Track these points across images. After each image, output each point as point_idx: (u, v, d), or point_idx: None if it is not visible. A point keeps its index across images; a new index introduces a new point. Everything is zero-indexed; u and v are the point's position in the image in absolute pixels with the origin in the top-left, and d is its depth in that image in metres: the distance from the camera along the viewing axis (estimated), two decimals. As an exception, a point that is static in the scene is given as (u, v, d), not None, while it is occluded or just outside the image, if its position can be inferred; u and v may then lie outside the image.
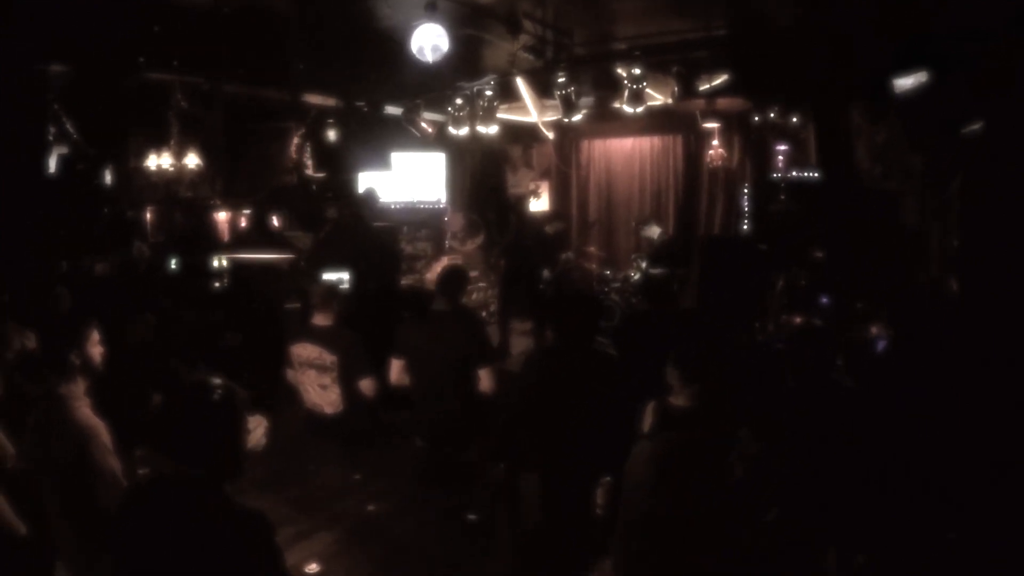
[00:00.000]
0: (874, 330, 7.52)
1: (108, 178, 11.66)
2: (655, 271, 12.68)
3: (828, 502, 4.56)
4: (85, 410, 4.46)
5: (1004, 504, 4.56)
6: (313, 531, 6.52)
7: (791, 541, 4.40)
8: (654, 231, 13.64)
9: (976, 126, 9.07)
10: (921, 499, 4.63)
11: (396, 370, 6.70)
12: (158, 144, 11.97)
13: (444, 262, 12.94)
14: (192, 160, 12.15)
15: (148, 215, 12.55)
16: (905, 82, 9.06)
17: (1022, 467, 4.64)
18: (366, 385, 6.71)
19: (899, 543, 4.62)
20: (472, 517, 6.35)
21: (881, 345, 7.20)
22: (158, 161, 11.97)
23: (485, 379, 6.37)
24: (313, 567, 5.23)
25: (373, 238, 10.41)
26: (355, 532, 6.58)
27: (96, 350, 4.73)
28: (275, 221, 13.22)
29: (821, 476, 4.54)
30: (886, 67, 9.19)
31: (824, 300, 9.71)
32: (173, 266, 10.88)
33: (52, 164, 10.27)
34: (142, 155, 12.04)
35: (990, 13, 7.84)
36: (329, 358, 6.69)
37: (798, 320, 9.43)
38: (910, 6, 8.43)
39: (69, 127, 10.33)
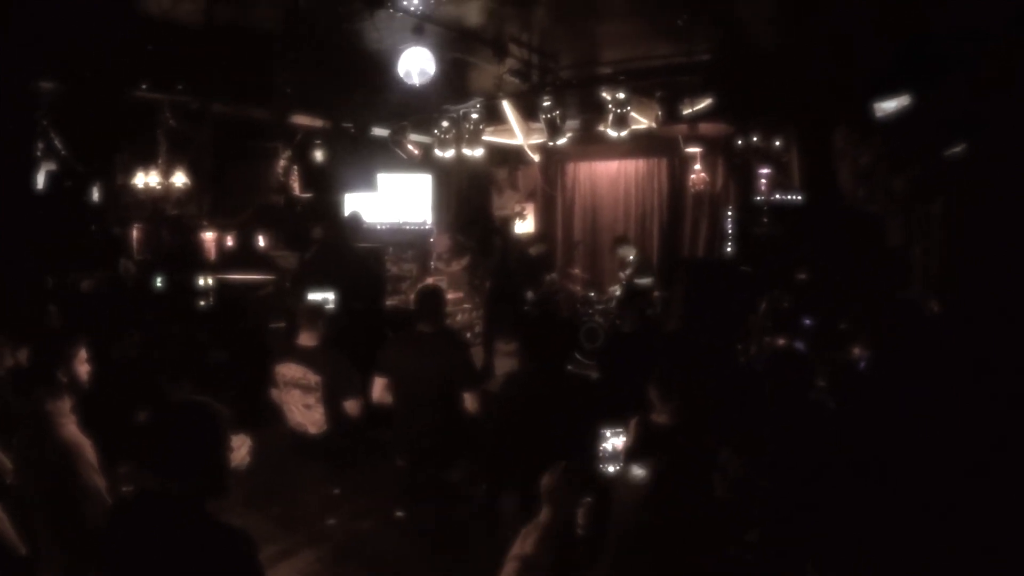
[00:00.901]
0: (856, 351, 7.55)
1: (96, 195, 11.66)
2: (640, 281, 12.82)
3: (808, 522, 4.60)
4: (71, 427, 4.49)
5: (984, 519, 4.60)
6: (297, 549, 6.56)
7: (772, 560, 4.45)
8: (629, 251, 13.78)
9: (958, 148, 9.17)
10: (901, 515, 4.68)
11: (379, 388, 6.67)
12: (146, 162, 12.00)
13: (429, 283, 13.00)
14: (180, 178, 12.19)
15: (135, 232, 12.56)
16: (888, 105, 9.15)
17: (1002, 481, 4.69)
18: (351, 406, 6.72)
19: (879, 561, 4.66)
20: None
21: (862, 365, 7.25)
22: (146, 179, 12.00)
23: (470, 402, 6.35)
24: (297, 585, 5.25)
25: (358, 259, 10.45)
26: (338, 550, 6.61)
27: (83, 368, 4.75)
28: (261, 241, 13.23)
29: (802, 496, 4.59)
30: (870, 90, 9.29)
31: (807, 322, 9.75)
32: (159, 284, 10.87)
33: (40, 180, 10.27)
34: (130, 172, 12.07)
35: (985, 18, 7.95)
36: (314, 378, 6.70)
37: (781, 342, 9.47)
38: (900, 20, 8.52)
39: (58, 143, 10.35)
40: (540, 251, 14.12)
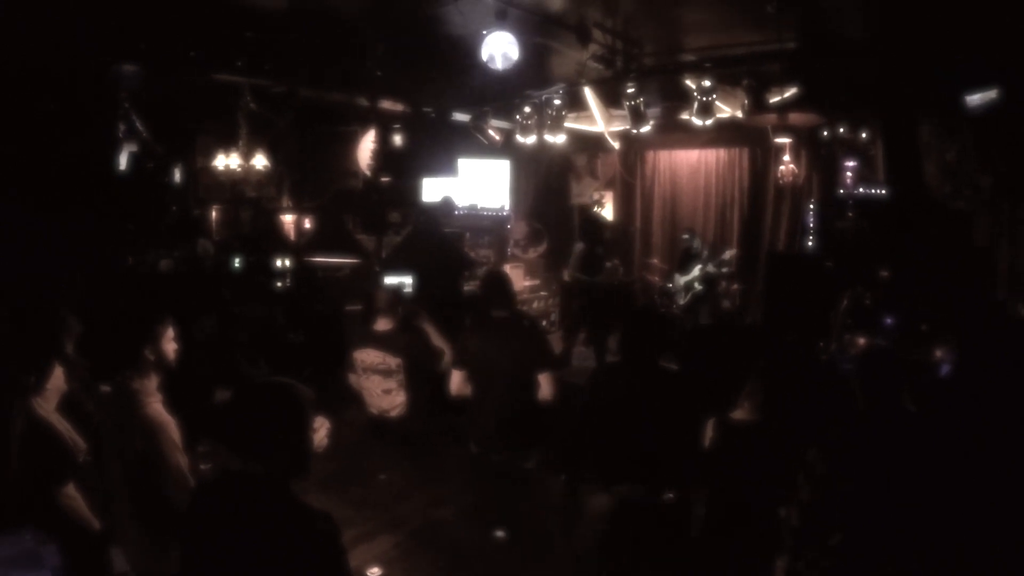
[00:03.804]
0: (938, 353, 7.37)
1: (176, 176, 11.79)
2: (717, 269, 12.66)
3: (892, 529, 4.49)
4: (156, 406, 4.51)
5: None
6: (374, 533, 6.55)
7: (853, 565, 4.35)
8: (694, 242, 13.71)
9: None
10: (981, 525, 4.55)
11: (457, 381, 6.53)
12: (227, 144, 12.12)
13: (506, 269, 12.96)
14: (260, 161, 12.28)
15: (214, 214, 12.70)
16: (976, 99, 8.94)
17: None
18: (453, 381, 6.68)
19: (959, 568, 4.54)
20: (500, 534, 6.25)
21: (945, 369, 7.07)
22: (226, 161, 12.11)
23: (546, 385, 6.20)
24: (375, 570, 5.24)
25: (446, 244, 10.45)
26: (416, 536, 6.60)
27: (170, 346, 4.77)
28: (348, 224, 13.32)
29: (887, 502, 4.48)
30: (957, 84, 9.08)
31: (888, 320, 9.56)
32: (237, 265, 10.96)
33: (122, 161, 10.39)
34: (210, 155, 12.20)
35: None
36: (393, 361, 6.69)
37: (861, 340, 9.30)
38: (984, 21, 8.31)
39: (139, 126, 10.46)
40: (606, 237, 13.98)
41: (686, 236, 13.96)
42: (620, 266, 14.41)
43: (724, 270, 13.15)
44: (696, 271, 13.19)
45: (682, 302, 13.15)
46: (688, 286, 13.09)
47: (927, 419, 5.22)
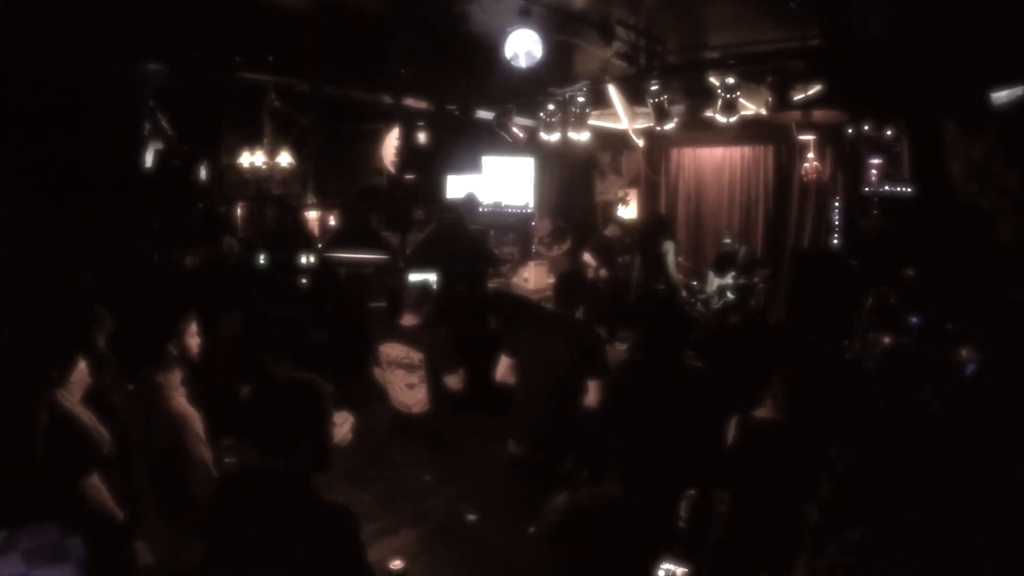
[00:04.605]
0: (964, 353, 7.34)
1: (202, 174, 11.88)
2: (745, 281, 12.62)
3: (912, 526, 4.49)
4: (180, 399, 4.56)
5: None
6: (397, 527, 6.58)
7: (873, 562, 4.35)
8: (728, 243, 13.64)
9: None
10: (997, 532, 4.54)
11: (503, 367, 6.54)
12: (252, 142, 12.19)
13: (530, 267, 12.97)
14: (284, 158, 12.35)
15: (239, 211, 12.77)
16: (1003, 96, 8.89)
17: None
18: (452, 380, 6.74)
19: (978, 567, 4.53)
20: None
21: (970, 368, 7.04)
22: (251, 159, 12.18)
23: (593, 392, 6.18)
24: (397, 563, 5.25)
25: (471, 241, 10.47)
26: (439, 531, 6.62)
27: (194, 341, 4.83)
28: (373, 221, 13.36)
29: (907, 500, 4.48)
30: (984, 80, 9.03)
31: (913, 320, 9.52)
32: (262, 261, 11.03)
33: (149, 159, 10.46)
34: (236, 153, 12.27)
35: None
36: (417, 356, 6.74)
37: (886, 339, 9.26)
38: (1009, 17, 8.26)
39: (164, 124, 10.53)
40: (614, 233, 13.93)
41: (727, 240, 13.87)
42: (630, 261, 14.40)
43: (756, 280, 13.09)
44: (730, 278, 13.13)
45: (715, 306, 13.09)
46: (722, 291, 13.03)
47: (948, 417, 5.22)
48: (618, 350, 9.66)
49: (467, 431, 7.15)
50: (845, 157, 13.36)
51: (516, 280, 13.17)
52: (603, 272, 13.11)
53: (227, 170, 12.44)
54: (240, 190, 12.65)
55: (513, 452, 6.44)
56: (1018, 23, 8.23)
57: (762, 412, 4.90)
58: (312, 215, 12.87)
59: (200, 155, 11.80)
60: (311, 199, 13.04)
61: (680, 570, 4.22)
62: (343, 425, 4.17)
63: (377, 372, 7.12)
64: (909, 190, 11.78)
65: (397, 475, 7.23)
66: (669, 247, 12.42)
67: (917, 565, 4.56)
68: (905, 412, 4.85)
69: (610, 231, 13.91)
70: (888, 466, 4.53)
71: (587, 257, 13.09)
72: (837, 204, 13.13)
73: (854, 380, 6.38)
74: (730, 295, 12.93)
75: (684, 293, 13.32)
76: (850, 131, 12.02)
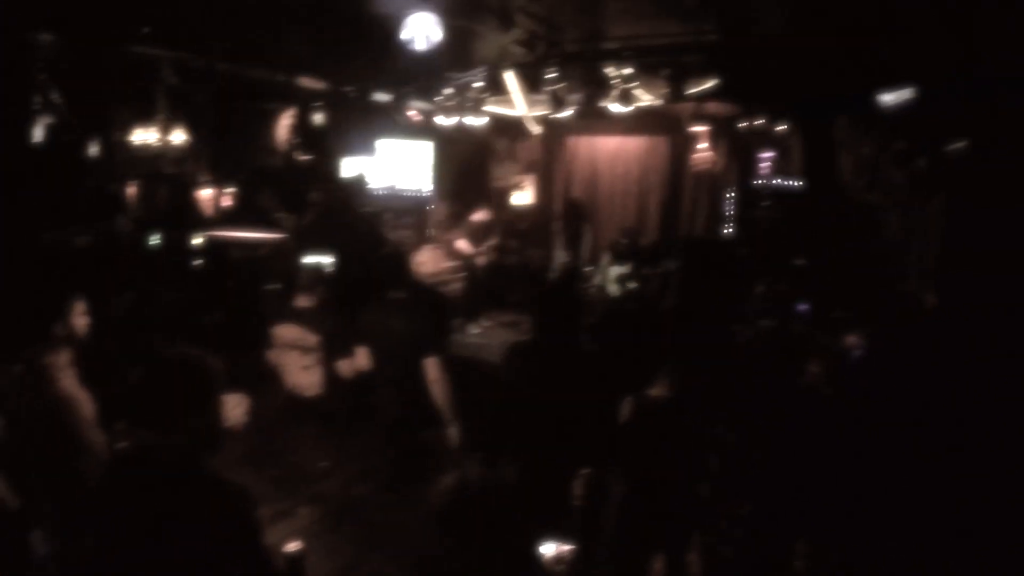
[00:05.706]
0: (851, 339, 7.56)
1: (94, 150, 11.60)
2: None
3: (799, 498, 4.63)
4: (68, 381, 4.48)
5: (975, 512, 4.63)
6: (294, 510, 6.60)
7: (763, 533, 4.47)
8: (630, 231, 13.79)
9: (960, 144, 9.16)
10: (887, 499, 4.70)
11: (361, 356, 6.66)
12: (145, 118, 11.93)
13: (426, 251, 12.93)
14: (178, 136, 12.12)
15: (130, 189, 12.51)
16: (890, 97, 9.13)
17: (995, 476, 4.71)
18: (344, 366, 6.72)
19: (866, 540, 4.69)
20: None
21: (856, 354, 7.26)
22: (144, 136, 11.92)
23: (431, 369, 6.26)
24: (294, 545, 5.24)
25: (360, 223, 10.41)
26: (335, 513, 6.64)
27: (81, 321, 4.73)
28: (265, 201, 13.18)
29: (793, 474, 4.61)
30: (873, 81, 9.26)
31: (802, 307, 9.75)
32: (154, 241, 10.84)
33: (38, 133, 10.20)
34: (128, 129, 12.00)
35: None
36: (312, 339, 6.71)
37: (774, 325, 9.48)
38: (901, 21, 8.50)
39: (55, 97, 10.27)
40: (489, 218, 13.98)
41: (625, 241, 13.95)
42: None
43: (659, 270, 13.22)
44: (629, 267, 13.25)
45: (613, 293, 13.17)
46: (622, 279, 13.13)
47: (832, 399, 5.42)
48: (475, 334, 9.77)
49: (362, 413, 7.13)
50: (739, 150, 13.60)
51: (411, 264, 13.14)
52: (481, 259, 13.15)
53: (119, 147, 12.17)
54: (132, 168, 12.39)
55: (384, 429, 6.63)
56: (907, 27, 8.48)
57: (655, 391, 5.00)
58: (206, 194, 12.66)
59: (91, 131, 11.52)
60: (205, 178, 12.84)
61: (566, 547, 4.26)
62: (237, 408, 4.14)
63: (271, 354, 7.07)
64: (799, 183, 12.05)
65: (292, 458, 7.20)
66: (586, 231, 12.55)
67: (804, 534, 4.72)
68: (790, 392, 5.00)
69: (484, 215, 13.91)
70: (774, 442, 4.67)
71: (461, 244, 13.08)
72: (730, 195, 13.36)
73: (742, 361, 6.52)
74: (629, 284, 13.07)
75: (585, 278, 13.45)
76: (743, 125, 12.24)
